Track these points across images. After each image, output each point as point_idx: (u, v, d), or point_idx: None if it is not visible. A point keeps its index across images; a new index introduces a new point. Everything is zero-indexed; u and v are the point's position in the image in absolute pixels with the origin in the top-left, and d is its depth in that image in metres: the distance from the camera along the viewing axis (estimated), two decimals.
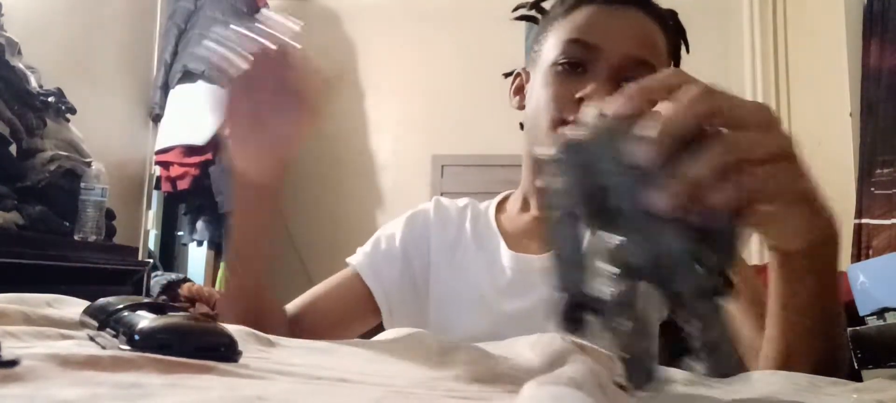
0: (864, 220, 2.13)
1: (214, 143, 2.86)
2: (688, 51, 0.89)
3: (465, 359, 0.43)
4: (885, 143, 2.11)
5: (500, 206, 0.92)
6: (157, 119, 3.02)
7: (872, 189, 2.12)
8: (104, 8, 2.78)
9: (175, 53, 2.96)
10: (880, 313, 1.40)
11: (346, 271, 0.87)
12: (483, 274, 0.84)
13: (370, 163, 3.21)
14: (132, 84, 3.01)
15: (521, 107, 0.88)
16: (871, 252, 2.07)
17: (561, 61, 0.79)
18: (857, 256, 2.11)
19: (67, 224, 1.86)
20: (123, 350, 0.34)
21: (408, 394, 0.33)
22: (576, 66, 0.78)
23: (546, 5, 0.90)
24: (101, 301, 0.41)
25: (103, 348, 0.35)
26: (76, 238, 1.84)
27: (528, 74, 0.88)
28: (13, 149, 1.76)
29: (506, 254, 0.84)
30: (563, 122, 0.77)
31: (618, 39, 0.77)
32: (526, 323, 0.76)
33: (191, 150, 2.84)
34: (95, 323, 0.39)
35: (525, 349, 0.48)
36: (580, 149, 0.37)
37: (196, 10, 2.98)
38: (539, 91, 0.81)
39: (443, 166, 3.26)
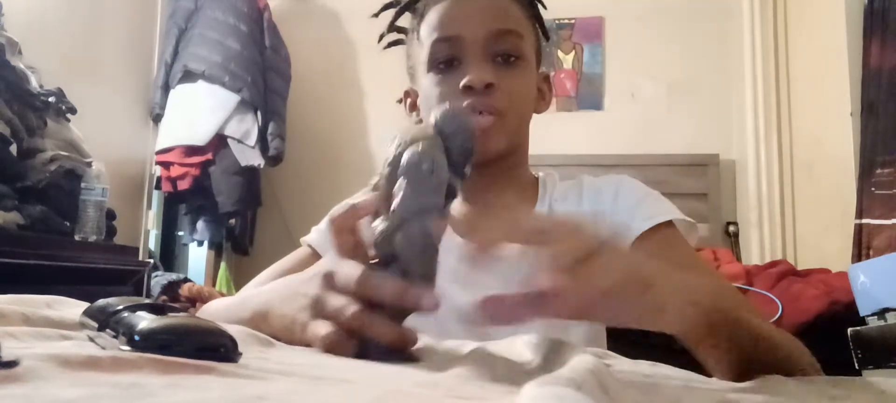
0: (864, 220, 2.13)
1: (215, 144, 2.87)
2: (544, 6, 0.91)
3: (465, 359, 0.43)
4: (885, 143, 2.11)
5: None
6: (157, 119, 3.02)
7: (873, 189, 2.12)
8: (105, 8, 2.78)
9: (175, 53, 2.96)
10: (881, 313, 1.40)
11: (300, 250, 0.89)
12: None
13: (370, 162, 3.20)
14: (133, 84, 3.01)
15: (419, 121, 0.90)
16: (871, 252, 2.07)
17: (434, 64, 0.83)
18: (858, 256, 2.11)
19: (68, 224, 1.86)
20: (123, 350, 0.34)
21: (408, 394, 0.33)
22: (450, 62, 0.82)
23: (401, 22, 0.93)
24: (101, 302, 0.41)
25: (103, 348, 0.35)
26: (76, 238, 1.84)
27: (414, 92, 0.91)
28: (13, 148, 1.76)
29: (454, 241, 0.83)
30: None
31: (474, 22, 0.81)
32: (468, 305, 0.77)
33: (191, 150, 2.84)
34: (95, 324, 0.39)
35: (525, 349, 0.48)
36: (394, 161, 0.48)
37: (196, 10, 2.98)
38: (428, 95, 0.84)
39: None
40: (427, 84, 0.84)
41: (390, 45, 0.96)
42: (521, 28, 0.84)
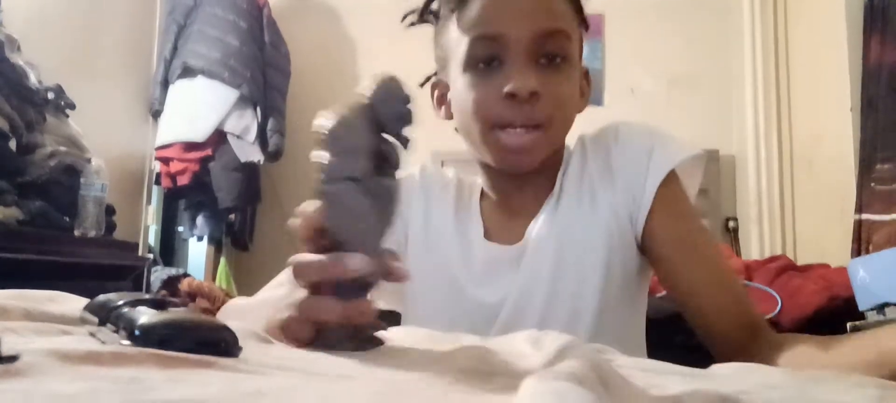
0: (864, 216, 2.13)
1: (214, 139, 2.86)
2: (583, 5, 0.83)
3: (465, 355, 0.43)
4: (885, 139, 2.11)
5: (484, 192, 0.88)
6: (156, 115, 3.02)
7: (872, 184, 2.12)
8: (104, 4, 2.78)
9: (175, 49, 2.96)
10: (880, 308, 1.40)
11: None
12: (456, 256, 0.82)
13: None
14: (132, 80, 3.01)
15: (449, 116, 0.83)
16: (871, 247, 2.07)
17: (472, 63, 0.76)
18: (858, 251, 2.11)
19: (67, 219, 1.86)
20: (124, 345, 0.34)
21: (408, 390, 0.33)
22: (490, 61, 0.75)
23: (434, 5, 0.85)
24: (102, 297, 0.41)
25: (104, 343, 0.35)
26: (76, 233, 1.84)
27: (444, 84, 0.84)
28: (13, 144, 1.76)
29: (481, 243, 0.82)
30: (496, 124, 0.75)
31: (519, 20, 0.73)
32: (494, 312, 0.78)
33: (191, 146, 2.84)
34: (96, 319, 0.39)
35: (525, 344, 0.48)
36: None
37: (196, 7, 2.98)
38: (463, 97, 0.77)
39: (442, 162, 3.26)
40: (463, 85, 0.77)
41: (414, 24, 0.88)
42: (569, 26, 0.76)
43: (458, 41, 0.77)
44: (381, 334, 0.47)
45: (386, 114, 0.46)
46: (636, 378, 0.40)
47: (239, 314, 0.65)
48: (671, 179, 0.76)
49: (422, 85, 0.87)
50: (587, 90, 0.85)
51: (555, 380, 0.28)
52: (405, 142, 0.48)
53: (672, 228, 0.75)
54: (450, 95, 0.83)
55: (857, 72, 2.26)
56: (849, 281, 1.50)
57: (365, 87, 0.47)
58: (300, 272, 0.45)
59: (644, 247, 0.78)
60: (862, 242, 2.11)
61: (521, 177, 0.81)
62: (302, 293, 0.46)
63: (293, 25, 3.32)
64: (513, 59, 0.73)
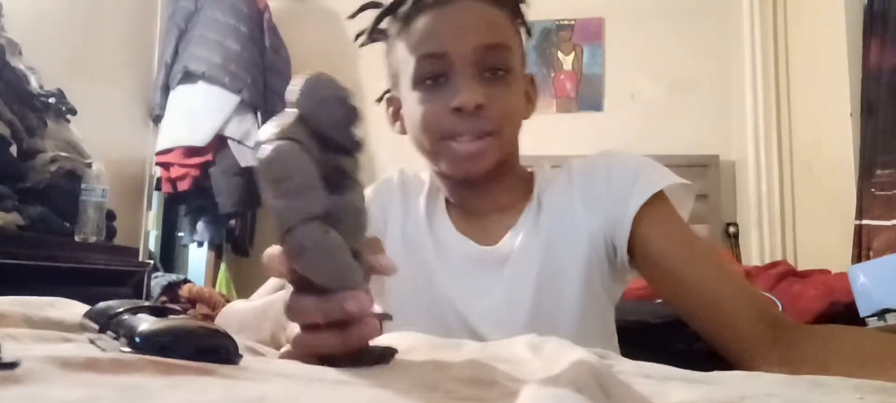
0: (864, 221, 2.13)
1: (214, 144, 2.87)
2: (524, 15, 0.87)
3: (464, 360, 0.43)
4: (885, 144, 2.11)
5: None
6: (157, 120, 3.02)
7: (873, 189, 2.12)
8: (105, 8, 2.78)
9: (175, 54, 2.96)
10: (881, 314, 1.40)
11: None
12: (431, 254, 0.85)
13: (370, 163, 3.20)
14: (133, 85, 3.02)
15: (403, 131, 0.88)
16: (871, 253, 2.07)
17: (421, 79, 0.80)
18: (858, 257, 2.11)
19: (68, 225, 1.86)
20: (124, 352, 0.34)
21: (406, 395, 0.33)
22: (436, 77, 0.79)
23: (383, 25, 0.89)
24: (102, 304, 0.41)
25: (104, 350, 0.35)
26: (77, 239, 1.84)
27: (398, 100, 0.88)
28: (14, 149, 1.76)
29: (456, 238, 0.86)
30: (447, 135, 0.79)
31: (461, 37, 0.78)
32: (473, 305, 0.81)
33: (191, 151, 2.84)
34: (96, 326, 0.39)
35: (525, 350, 0.48)
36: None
37: (197, 11, 2.98)
38: (414, 113, 0.82)
39: None
40: (413, 101, 0.82)
41: (363, 44, 0.92)
42: (509, 39, 0.82)
43: (406, 60, 0.82)
44: (388, 345, 0.44)
45: (324, 122, 0.41)
46: (638, 385, 0.40)
47: (237, 320, 0.66)
48: (660, 198, 0.78)
49: (378, 100, 0.94)
50: (534, 96, 0.90)
51: (555, 387, 0.28)
52: (356, 144, 0.42)
53: (669, 241, 0.77)
54: (403, 111, 0.87)
55: (857, 77, 2.26)
56: (849, 286, 1.50)
57: (291, 93, 0.41)
58: (296, 315, 0.42)
59: (638, 264, 0.80)
60: (862, 247, 2.11)
61: (477, 183, 0.85)
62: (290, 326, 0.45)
63: (293, 30, 3.32)
64: (458, 74, 0.78)
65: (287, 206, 0.38)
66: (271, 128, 0.39)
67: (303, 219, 0.38)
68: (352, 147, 0.42)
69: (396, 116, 0.90)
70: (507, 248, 0.84)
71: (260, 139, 0.39)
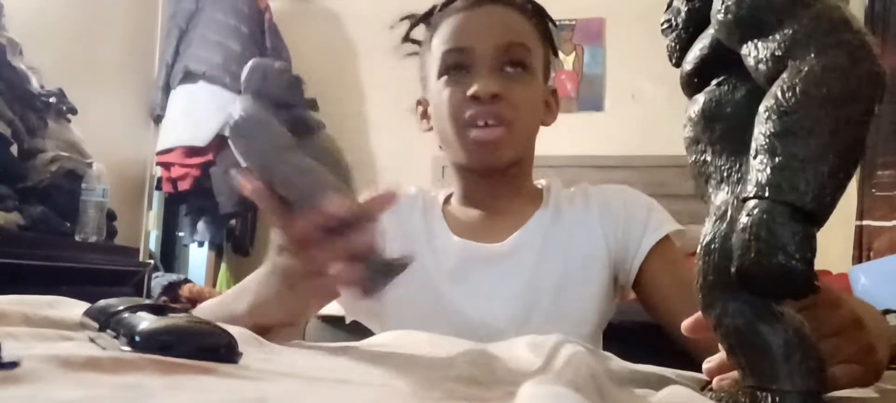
0: (865, 222, 2.13)
1: (215, 144, 2.87)
2: (555, 25, 0.96)
3: (464, 360, 0.44)
4: (886, 145, 2.11)
5: (447, 199, 0.99)
6: (158, 119, 3.02)
7: (873, 190, 2.12)
8: (105, 8, 2.78)
9: (176, 54, 2.96)
10: (882, 314, 1.40)
11: None
12: (429, 257, 0.89)
13: (371, 164, 3.20)
14: (133, 84, 3.01)
15: (430, 128, 0.94)
16: (872, 254, 2.07)
17: (444, 72, 0.87)
18: (859, 258, 2.11)
19: (68, 224, 1.86)
20: (124, 351, 0.34)
21: (407, 395, 0.33)
22: (459, 70, 0.86)
23: (418, 35, 0.97)
24: (102, 302, 0.41)
25: (104, 349, 0.35)
26: (77, 238, 1.84)
27: (426, 100, 0.96)
28: (14, 149, 1.76)
29: (452, 240, 0.90)
30: (466, 123, 0.85)
31: (485, 34, 0.86)
32: (470, 302, 0.85)
33: (192, 151, 2.84)
34: (96, 325, 0.39)
35: (523, 349, 0.48)
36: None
37: (197, 11, 2.98)
38: (438, 104, 0.89)
39: (443, 167, 3.26)
40: (437, 89, 0.88)
41: (407, 54, 1.00)
42: (529, 41, 0.88)
43: (434, 57, 0.89)
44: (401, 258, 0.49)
45: (273, 91, 0.49)
46: (634, 384, 0.40)
47: (215, 302, 0.74)
48: (668, 240, 0.87)
49: (416, 106, 1.00)
50: (555, 107, 0.96)
51: (553, 385, 0.28)
52: (304, 99, 0.51)
53: (673, 279, 0.83)
54: (430, 109, 0.94)
55: None
56: (850, 287, 1.50)
57: (242, 83, 0.50)
58: (295, 243, 0.50)
59: (640, 293, 0.87)
60: (863, 248, 2.11)
61: (493, 179, 0.90)
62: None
63: (294, 30, 3.32)
64: (478, 67, 0.85)
65: (261, 151, 0.47)
66: (235, 108, 0.49)
67: (276, 150, 0.46)
68: (302, 102, 0.50)
69: (425, 115, 0.97)
70: (511, 247, 0.88)
71: (229, 121, 0.49)
